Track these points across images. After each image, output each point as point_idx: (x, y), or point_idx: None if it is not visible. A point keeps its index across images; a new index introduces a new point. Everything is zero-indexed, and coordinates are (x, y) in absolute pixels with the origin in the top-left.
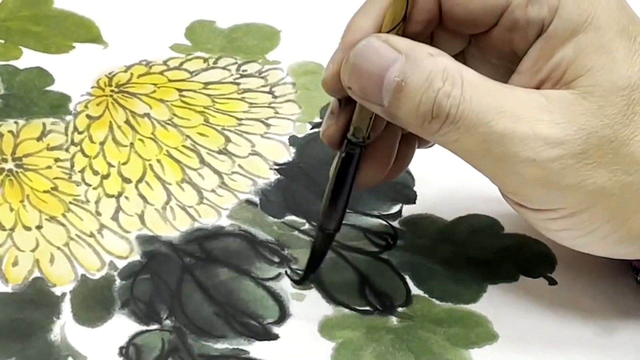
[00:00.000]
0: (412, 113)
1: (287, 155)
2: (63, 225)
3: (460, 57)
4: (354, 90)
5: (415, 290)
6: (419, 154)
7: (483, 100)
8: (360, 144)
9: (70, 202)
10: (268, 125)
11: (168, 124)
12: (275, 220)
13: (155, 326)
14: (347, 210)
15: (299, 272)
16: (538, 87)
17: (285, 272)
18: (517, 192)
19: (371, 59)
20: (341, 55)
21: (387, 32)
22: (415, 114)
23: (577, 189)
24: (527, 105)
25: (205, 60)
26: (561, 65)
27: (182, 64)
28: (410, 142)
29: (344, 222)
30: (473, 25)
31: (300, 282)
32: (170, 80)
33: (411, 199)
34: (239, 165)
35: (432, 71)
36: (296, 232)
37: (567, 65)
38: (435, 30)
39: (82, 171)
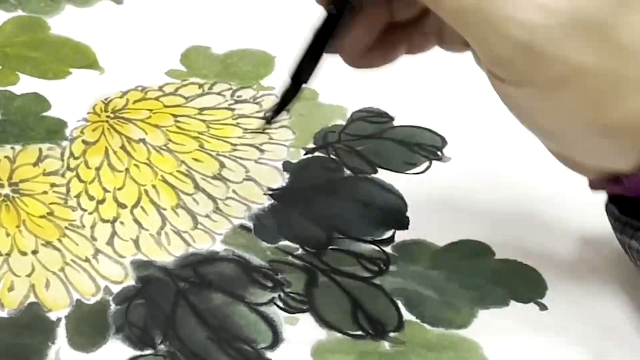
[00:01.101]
0: None
1: (280, 180)
2: (58, 250)
3: None
4: None
5: (407, 315)
6: (412, 180)
7: None
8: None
9: (66, 227)
10: (262, 151)
11: (163, 149)
12: (269, 245)
13: (149, 351)
14: (340, 236)
15: (291, 295)
16: None
17: (278, 296)
18: (502, 58)
19: None
20: None
21: None
22: None
23: (559, 61)
24: None
25: (201, 86)
26: None
27: (177, 89)
28: (400, 37)
29: (336, 247)
30: None
31: (268, 123)
32: (165, 106)
33: (404, 224)
34: (233, 191)
35: None
36: (290, 257)
37: None
38: None
39: (77, 196)
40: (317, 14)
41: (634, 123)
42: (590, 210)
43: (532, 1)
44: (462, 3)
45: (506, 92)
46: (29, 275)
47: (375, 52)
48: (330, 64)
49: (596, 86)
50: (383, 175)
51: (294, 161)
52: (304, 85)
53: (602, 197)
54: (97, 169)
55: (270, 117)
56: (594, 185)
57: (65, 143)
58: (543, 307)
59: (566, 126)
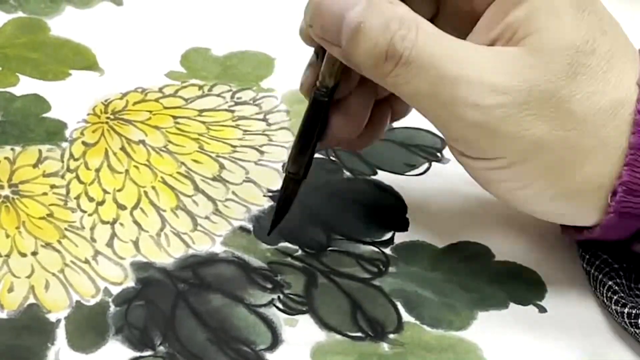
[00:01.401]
0: (367, 54)
1: (280, 182)
2: (58, 251)
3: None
4: (315, 29)
5: (406, 317)
6: (411, 182)
7: (435, 46)
8: (324, 91)
9: (66, 229)
10: (262, 153)
11: (163, 150)
12: (269, 247)
13: (149, 352)
14: (339, 237)
15: (291, 296)
16: (490, 45)
17: (278, 297)
18: (461, 138)
19: None
20: None
21: None
22: (371, 55)
23: (516, 138)
24: (477, 55)
25: (200, 87)
26: (513, 25)
27: (177, 91)
28: (383, 110)
29: (335, 249)
30: None
31: (270, 232)
32: (165, 107)
33: (403, 226)
34: (233, 192)
35: (390, 16)
36: (289, 259)
37: (519, 25)
38: None
39: (77, 198)
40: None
41: (591, 187)
42: None
43: (484, 83)
44: (418, 88)
45: (467, 164)
46: (28, 277)
47: (366, 131)
48: None
49: (553, 157)
50: (383, 176)
51: None
52: (304, 182)
53: None
54: (97, 170)
55: (275, 222)
56: (565, 232)
57: (65, 144)
58: (542, 310)
59: (527, 194)
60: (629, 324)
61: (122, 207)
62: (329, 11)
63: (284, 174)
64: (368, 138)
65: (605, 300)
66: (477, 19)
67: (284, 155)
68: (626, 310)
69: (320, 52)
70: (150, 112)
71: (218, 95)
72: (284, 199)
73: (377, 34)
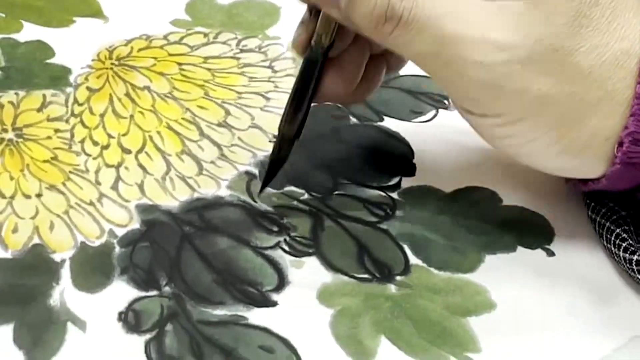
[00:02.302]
0: (367, 15)
1: None
2: (63, 193)
3: None
4: None
5: (413, 259)
6: (418, 127)
7: (436, 5)
8: (320, 50)
9: (70, 172)
10: (267, 99)
11: (168, 97)
12: (275, 191)
13: (154, 292)
14: (346, 182)
15: (297, 238)
16: None
17: (284, 240)
18: (466, 96)
19: None
20: None
21: None
22: (370, 16)
23: (521, 94)
24: (479, 11)
25: (206, 35)
26: None
27: (182, 38)
28: (378, 65)
29: (342, 192)
30: None
31: (261, 190)
32: (170, 55)
33: (410, 171)
34: (239, 138)
35: None
36: (295, 202)
37: None
38: None
39: (82, 142)
40: None
41: (597, 140)
42: None
43: (487, 40)
44: (420, 48)
45: (472, 121)
46: (33, 218)
47: (360, 87)
48: None
49: (559, 112)
50: (389, 123)
51: None
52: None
53: None
54: (102, 115)
55: (266, 182)
56: (569, 183)
57: (69, 89)
58: (551, 253)
59: (532, 149)
60: (637, 272)
61: (127, 151)
62: None
63: (278, 134)
64: (362, 93)
65: (613, 248)
66: None
67: None
68: (635, 257)
69: (314, 10)
70: (155, 58)
71: (224, 43)
72: (277, 160)
73: None
